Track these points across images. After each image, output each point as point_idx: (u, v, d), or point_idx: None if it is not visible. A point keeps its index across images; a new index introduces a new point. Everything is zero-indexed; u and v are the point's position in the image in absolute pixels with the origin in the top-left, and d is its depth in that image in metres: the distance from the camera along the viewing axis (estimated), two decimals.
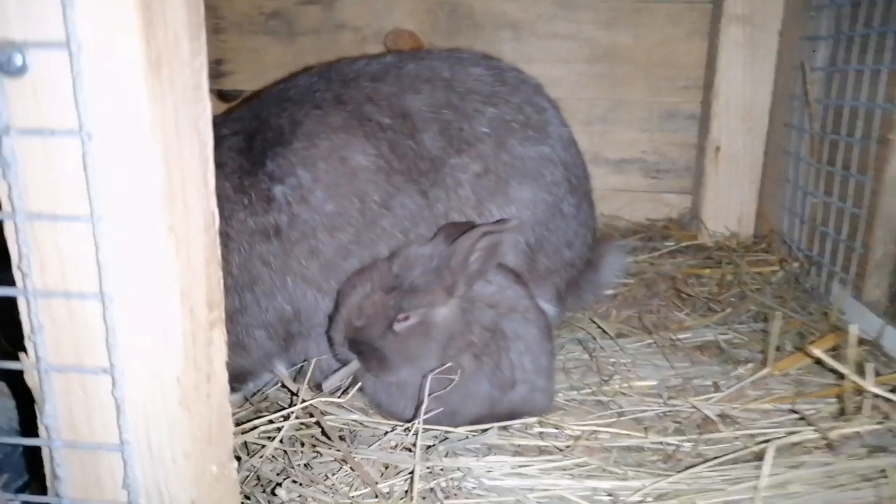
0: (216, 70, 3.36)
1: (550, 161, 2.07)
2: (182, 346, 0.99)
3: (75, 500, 1.03)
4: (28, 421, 1.05)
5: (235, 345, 1.79)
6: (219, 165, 1.75)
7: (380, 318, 1.53)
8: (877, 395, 1.48)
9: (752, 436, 1.57)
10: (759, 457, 1.46)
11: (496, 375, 1.63)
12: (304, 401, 1.58)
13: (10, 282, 0.96)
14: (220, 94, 3.41)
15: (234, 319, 1.75)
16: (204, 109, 1.03)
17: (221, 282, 1.09)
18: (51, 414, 0.99)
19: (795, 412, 1.66)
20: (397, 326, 1.53)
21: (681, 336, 2.22)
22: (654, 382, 1.94)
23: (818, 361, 1.88)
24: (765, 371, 1.84)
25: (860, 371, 1.69)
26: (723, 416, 1.69)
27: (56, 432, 1.00)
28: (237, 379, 1.87)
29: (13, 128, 0.89)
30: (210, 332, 1.06)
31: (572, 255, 2.17)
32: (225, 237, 1.71)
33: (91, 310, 0.96)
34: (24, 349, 0.99)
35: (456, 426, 1.57)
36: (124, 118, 0.89)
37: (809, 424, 1.54)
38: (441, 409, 1.55)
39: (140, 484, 1.01)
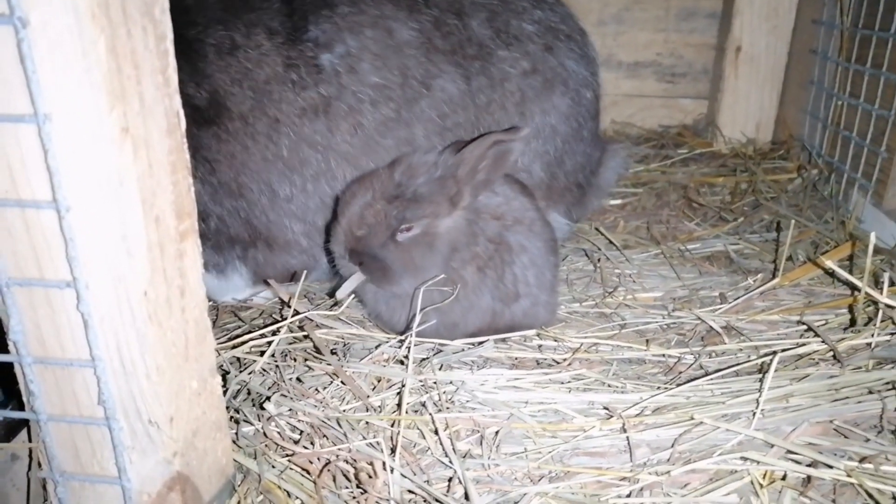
0: None
1: (587, 82, 2.05)
2: (147, 258, 0.92)
3: (52, 415, 1.01)
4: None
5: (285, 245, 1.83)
6: (272, 31, 1.69)
7: (382, 228, 1.46)
8: (890, 307, 1.42)
9: (757, 348, 1.52)
10: (763, 369, 1.42)
11: (499, 288, 1.58)
12: (296, 312, 1.54)
13: None
14: None
15: (280, 211, 1.76)
16: None
17: (192, 190, 1.02)
18: (17, 329, 0.95)
19: (803, 324, 1.60)
20: (400, 237, 1.47)
21: (690, 246, 2.15)
22: (659, 294, 1.89)
23: (830, 272, 1.81)
24: (774, 282, 1.77)
25: (875, 281, 1.62)
26: (728, 328, 1.64)
27: (25, 348, 0.96)
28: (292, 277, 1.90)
29: None
30: (181, 243, 1.00)
31: (584, 177, 2.15)
32: (274, 122, 1.69)
33: (48, 220, 0.90)
34: None
35: (456, 339, 1.54)
36: (60, 2, 0.79)
37: (817, 336, 1.49)
38: (440, 321, 1.51)
39: (116, 400, 0.98)
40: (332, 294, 1.71)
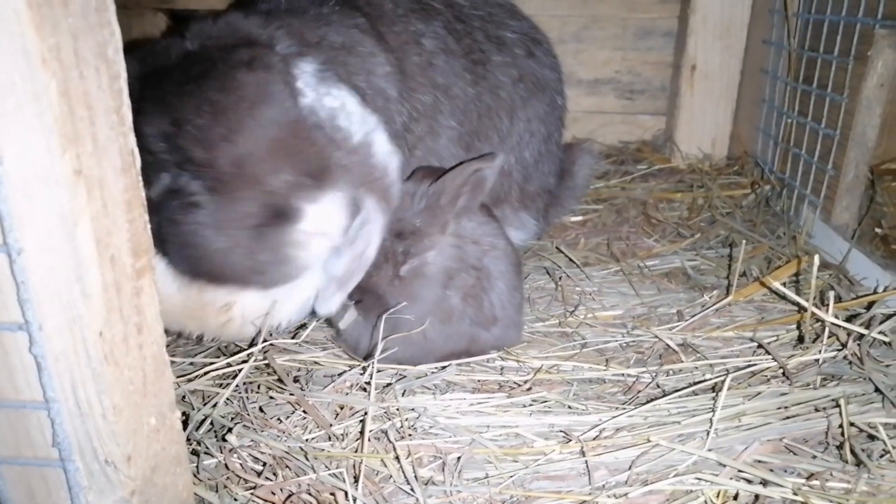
0: None
1: (557, 90, 2.14)
2: (103, 298, 0.92)
3: (5, 457, 0.99)
4: None
5: None
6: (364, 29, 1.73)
7: (390, 266, 1.47)
8: (835, 325, 1.47)
9: (712, 366, 1.57)
10: (718, 387, 1.46)
11: (479, 314, 1.60)
12: (264, 340, 1.54)
13: None
14: (171, 14, 3.20)
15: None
16: (111, 35, 0.92)
17: (148, 226, 1.02)
18: None
19: (755, 341, 1.65)
20: (403, 270, 1.48)
21: (649, 263, 2.20)
22: (619, 312, 1.93)
23: (781, 295, 1.87)
24: (728, 299, 1.83)
25: (822, 298, 1.68)
26: (685, 346, 1.68)
27: None
28: None
29: None
30: (138, 281, 0.99)
31: (552, 183, 2.20)
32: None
33: None
34: None
35: (430, 364, 1.55)
36: (10, 47, 0.78)
37: (767, 353, 1.54)
38: (417, 348, 1.52)
39: (72, 441, 0.97)
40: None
